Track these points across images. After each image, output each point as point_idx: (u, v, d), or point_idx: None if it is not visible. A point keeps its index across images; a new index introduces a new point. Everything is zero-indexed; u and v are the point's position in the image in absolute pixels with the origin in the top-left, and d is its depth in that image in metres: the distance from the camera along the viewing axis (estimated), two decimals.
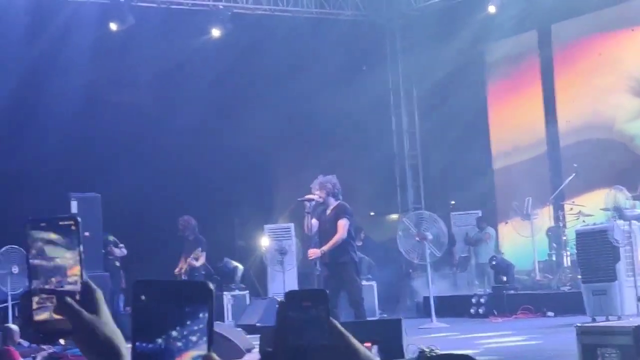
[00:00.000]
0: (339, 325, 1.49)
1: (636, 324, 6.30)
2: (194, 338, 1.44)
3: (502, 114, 20.17)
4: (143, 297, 1.46)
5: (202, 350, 1.45)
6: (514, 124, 19.77)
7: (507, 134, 19.95)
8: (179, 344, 1.44)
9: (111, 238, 16.37)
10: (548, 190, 17.76)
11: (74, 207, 15.15)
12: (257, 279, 18.14)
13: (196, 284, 1.47)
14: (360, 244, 17.50)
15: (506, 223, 17.70)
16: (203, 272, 15.48)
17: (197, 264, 15.10)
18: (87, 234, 14.97)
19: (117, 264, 16.74)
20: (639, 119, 17.56)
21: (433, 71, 19.36)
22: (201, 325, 1.44)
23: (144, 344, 1.46)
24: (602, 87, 17.95)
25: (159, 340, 1.45)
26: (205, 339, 1.45)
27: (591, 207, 15.30)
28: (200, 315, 1.44)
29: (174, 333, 1.43)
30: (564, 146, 18.67)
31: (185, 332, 1.44)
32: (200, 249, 15.05)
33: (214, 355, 1.45)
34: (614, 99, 17.80)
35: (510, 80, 19.96)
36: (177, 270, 15.33)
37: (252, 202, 18.91)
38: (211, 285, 1.49)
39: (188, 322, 1.44)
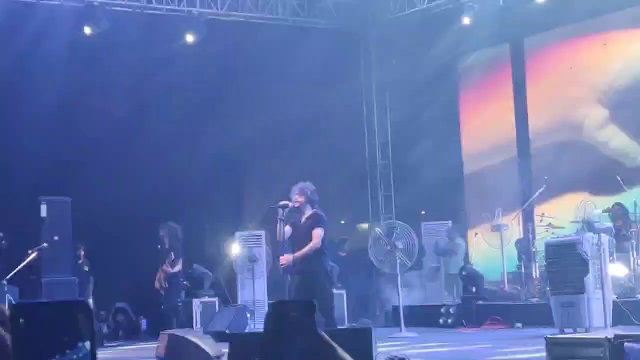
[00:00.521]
0: (325, 336, 1.50)
1: (607, 335, 6.34)
2: None
3: (474, 125, 20.28)
4: (22, 321, 1.42)
5: None
6: (485, 135, 19.90)
7: (478, 145, 20.07)
8: None
9: (86, 268, 16.36)
10: (518, 200, 17.95)
11: (43, 210, 15.05)
12: (226, 286, 18.10)
13: (75, 305, 1.42)
14: (344, 254, 17.55)
15: (476, 234, 17.77)
16: (182, 279, 15.39)
17: (172, 270, 15.01)
18: (56, 238, 14.90)
19: (86, 269, 16.65)
20: (606, 128, 17.83)
21: (406, 81, 19.46)
22: (81, 354, 1.39)
23: None
24: (571, 97, 18.20)
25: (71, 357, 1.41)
26: None
27: (561, 219, 15.41)
28: (81, 343, 1.40)
29: (86, 345, 1.39)
30: (534, 153, 18.86)
31: None
32: (172, 253, 14.97)
33: None
34: (583, 108, 18.07)
35: (483, 92, 20.10)
36: (156, 283, 15.21)
37: (223, 209, 18.85)
38: (90, 305, 1.46)
39: (67, 351, 1.40)
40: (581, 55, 18.27)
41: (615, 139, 17.59)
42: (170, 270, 14.97)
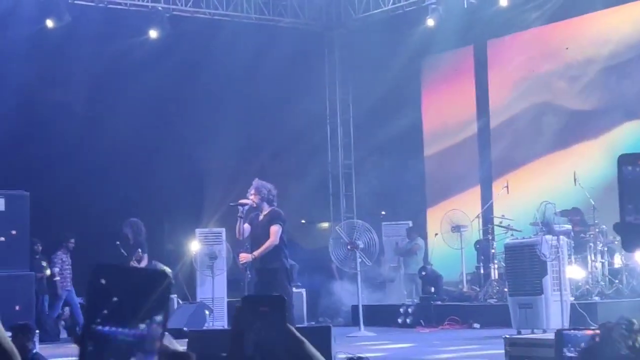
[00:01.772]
0: (295, 332, 1.50)
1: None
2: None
3: (437, 126, 20.40)
4: (103, 282, 1.44)
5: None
6: (447, 137, 20.02)
7: (440, 146, 20.20)
8: (160, 330, 1.43)
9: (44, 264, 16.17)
10: (478, 200, 18.24)
11: (1, 204, 14.87)
12: (185, 284, 18.02)
13: (156, 272, 1.45)
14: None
15: (436, 235, 17.85)
16: None
17: (140, 265, 14.89)
18: (13, 232, 14.72)
19: (44, 264, 16.48)
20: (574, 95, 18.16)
21: (370, 81, 19.49)
22: (161, 321, 1.43)
23: (113, 328, 1.43)
24: (537, 73, 18.59)
25: (142, 326, 1.44)
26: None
27: (520, 222, 15.51)
28: (164, 308, 1.44)
29: (158, 318, 1.43)
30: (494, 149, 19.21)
31: (159, 319, 1.43)
32: (140, 250, 14.85)
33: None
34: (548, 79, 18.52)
35: (446, 92, 20.22)
36: None
37: (183, 206, 18.78)
38: (168, 271, 1.50)
39: (160, 312, 1.43)
40: (544, 59, 18.48)
41: (584, 103, 17.92)
42: (138, 266, 14.87)
